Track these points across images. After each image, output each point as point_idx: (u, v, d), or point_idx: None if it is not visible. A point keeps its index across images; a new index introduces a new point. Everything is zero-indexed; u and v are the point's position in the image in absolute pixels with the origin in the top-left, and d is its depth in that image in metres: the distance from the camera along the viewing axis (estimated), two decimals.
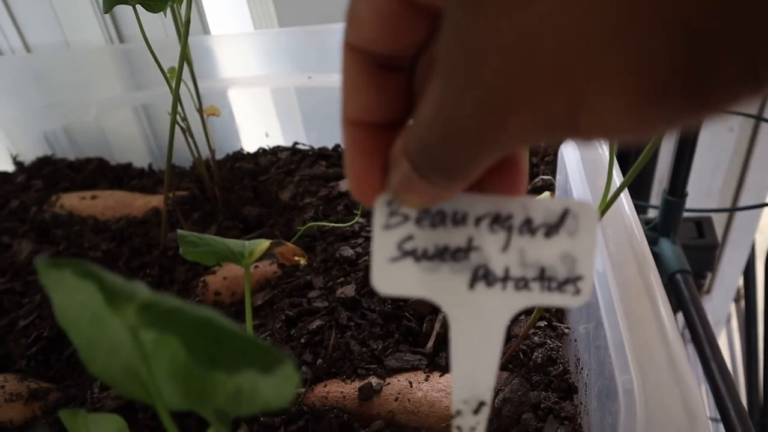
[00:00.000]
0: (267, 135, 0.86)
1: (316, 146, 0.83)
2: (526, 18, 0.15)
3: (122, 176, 0.91)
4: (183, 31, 0.52)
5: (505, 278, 0.23)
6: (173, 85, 0.63)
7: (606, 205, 0.39)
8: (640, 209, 1.07)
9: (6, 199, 0.88)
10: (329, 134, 0.82)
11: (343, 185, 0.74)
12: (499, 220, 0.23)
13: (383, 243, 0.23)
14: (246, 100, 0.86)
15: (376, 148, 0.22)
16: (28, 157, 0.97)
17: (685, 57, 0.14)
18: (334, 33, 0.78)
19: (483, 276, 0.23)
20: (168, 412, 0.24)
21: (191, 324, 0.21)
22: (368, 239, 0.66)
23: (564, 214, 0.23)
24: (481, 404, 0.25)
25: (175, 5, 0.54)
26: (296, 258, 0.38)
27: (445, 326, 0.55)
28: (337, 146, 0.82)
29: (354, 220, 0.66)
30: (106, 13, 0.52)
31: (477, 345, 0.24)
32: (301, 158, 0.81)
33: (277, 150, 0.84)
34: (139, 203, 0.82)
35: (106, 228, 0.79)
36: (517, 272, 0.23)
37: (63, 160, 0.95)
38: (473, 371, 0.24)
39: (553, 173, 0.72)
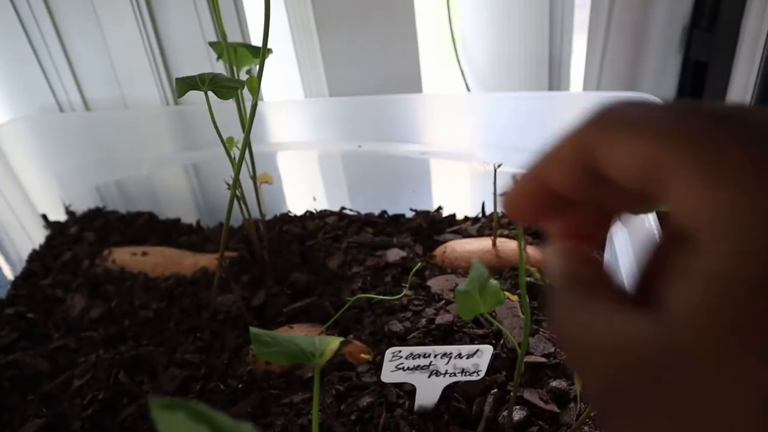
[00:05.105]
0: (314, 199, 0.88)
1: (362, 212, 0.84)
2: None
3: (171, 231, 0.93)
4: (249, 117, 0.55)
5: (445, 374, 0.51)
6: (233, 158, 0.66)
7: None
8: None
9: (60, 251, 0.91)
10: (375, 201, 0.84)
11: (390, 255, 0.75)
12: (446, 355, 0.51)
13: (389, 366, 0.50)
14: (294, 164, 0.88)
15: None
16: (80, 207, 1.00)
17: None
18: (382, 104, 0.81)
19: (434, 373, 0.51)
20: None
21: None
22: (416, 313, 0.67)
23: (476, 351, 0.50)
24: None
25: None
26: (363, 356, 0.39)
27: (494, 409, 0.56)
28: (383, 213, 0.84)
29: (402, 293, 0.67)
30: (179, 97, 0.54)
31: (428, 398, 0.54)
32: (347, 224, 0.83)
33: (324, 214, 0.86)
34: (189, 262, 0.84)
35: (155, 286, 0.81)
36: (452, 371, 0.51)
37: (114, 212, 0.98)
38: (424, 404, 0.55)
39: (601, 248, 0.73)
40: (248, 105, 0.62)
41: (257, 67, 0.58)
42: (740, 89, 0.96)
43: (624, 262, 0.61)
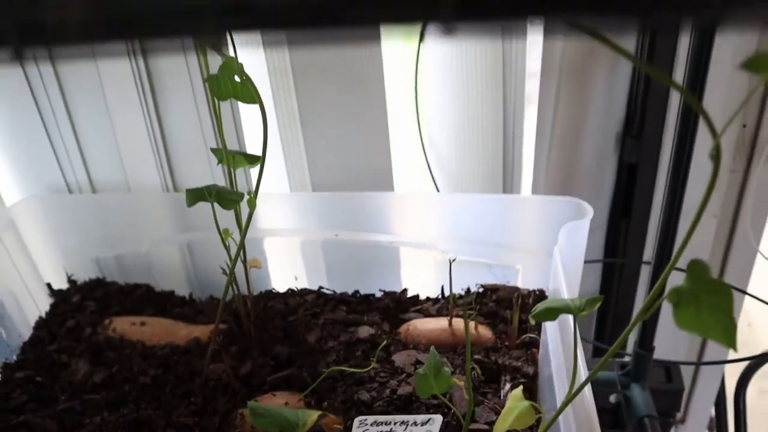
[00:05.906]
0: (296, 279, 1.00)
1: (338, 291, 0.97)
2: None
3: (166, 303, 1.04)
4: (245, 225, 0.67)
5: None
6: (227, 245, 0.78)
7: (572, 396, 0.52)
8: (616, 354, 1.20)
9: (64, 318, 1.01)
10: (349, 282, 0.97)
11: (361, 332, 0.87)
12: (404, 422, 0.65)
13: (357, 431, 0.62)
14: (280, 248, 1.01)
15: None
16: (80, 277, 1.10)
17: None
18: (358, 200, 0.94)
19: None
20: None
21: None
22: (382, 384, 0.78)
23: (429, 419, 0.64)
24: None
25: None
26: (336, 426, 0.50)
27: None
28: (355, 293, 0.97)
29: (370, 366, 0.79)
30: (189, 206, 0.66)
31: None
32: (324, 302, 0.95)
33: (304, 292, 0.98)
34: (183, 333, 0.94)
35: (152, 354, 0.91)
36: None
37: (114, 283, 1.09)
38: None
39: (539, 331, 0.85)
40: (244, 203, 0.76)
41: (251, 169, 0.71)
42: (663, 186, 1.11)
43: (554, 348, 0.73)
